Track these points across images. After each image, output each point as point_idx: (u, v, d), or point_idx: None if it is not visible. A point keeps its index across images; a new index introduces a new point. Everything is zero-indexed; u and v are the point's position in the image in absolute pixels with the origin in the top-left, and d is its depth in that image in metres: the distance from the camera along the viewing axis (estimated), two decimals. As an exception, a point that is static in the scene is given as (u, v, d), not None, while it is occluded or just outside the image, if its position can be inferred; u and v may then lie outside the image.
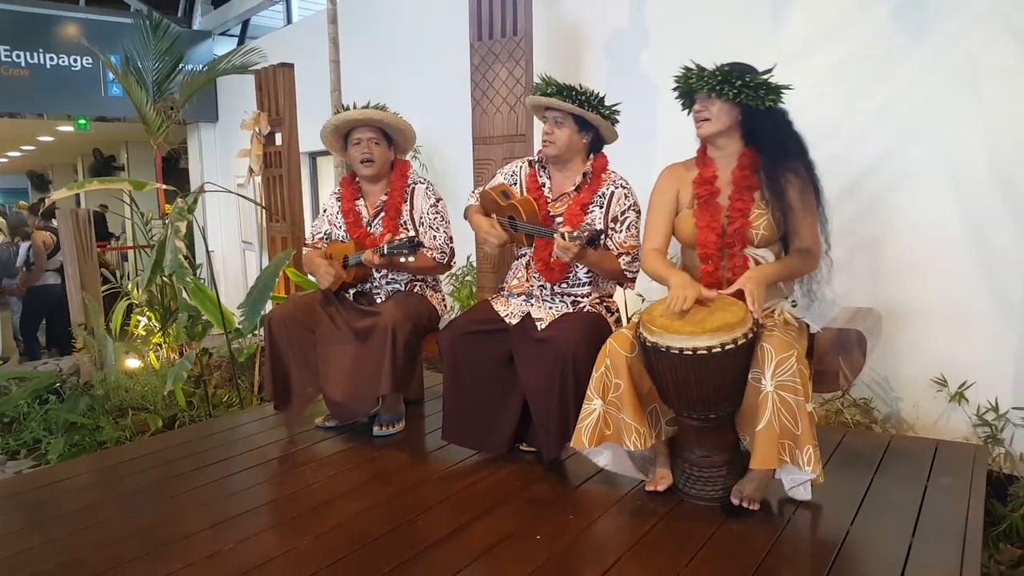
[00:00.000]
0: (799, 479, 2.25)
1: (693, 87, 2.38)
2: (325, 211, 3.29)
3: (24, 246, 7.07)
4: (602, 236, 2.65)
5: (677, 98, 2.53)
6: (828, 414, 3.40)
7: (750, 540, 2.13)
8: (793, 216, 2.34)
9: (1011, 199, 3.12)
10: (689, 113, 2.52)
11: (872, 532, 2.18)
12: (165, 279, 4.75)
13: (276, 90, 5.17)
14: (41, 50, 7.94)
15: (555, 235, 2.51)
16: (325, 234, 3.25)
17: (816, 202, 2.37)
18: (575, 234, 2.46)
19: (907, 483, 2.50)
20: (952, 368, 3.28)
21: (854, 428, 3.29)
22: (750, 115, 2.36)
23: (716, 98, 2.35)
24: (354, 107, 3.06)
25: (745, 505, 2.27)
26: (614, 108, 2.79)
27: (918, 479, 2.52)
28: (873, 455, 2.74)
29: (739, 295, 2.26)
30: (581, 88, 2.72)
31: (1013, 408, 3.11)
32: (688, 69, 2.40)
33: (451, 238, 3.14)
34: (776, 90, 2.34)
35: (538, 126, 3.04)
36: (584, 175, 2.79)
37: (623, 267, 2.71)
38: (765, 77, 2.34)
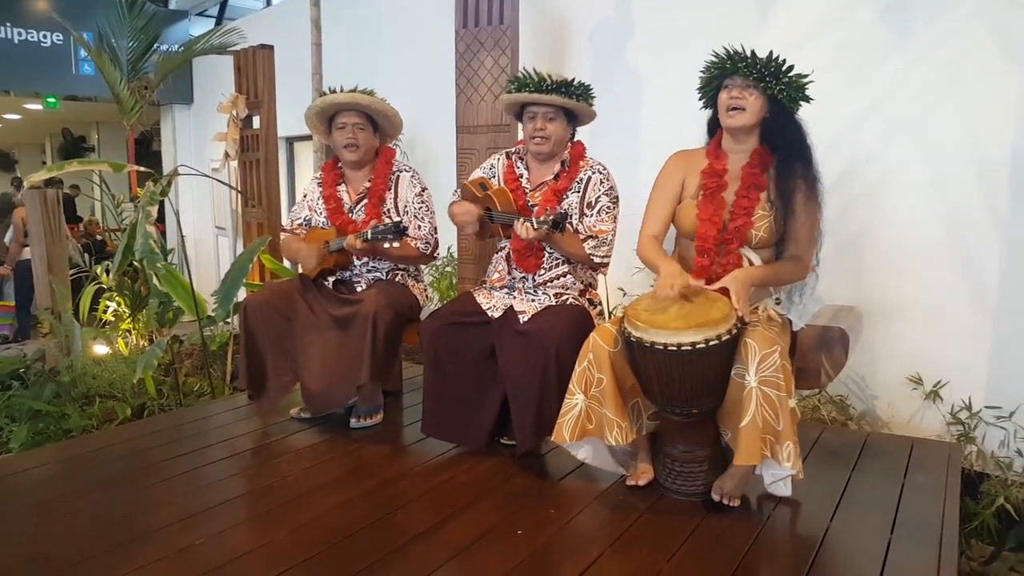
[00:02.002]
0: (779, 475, 2.25)
1: (738, 70, 2.26)
2: (305, 196, 3.22)
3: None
4: (567, 219, 2.63)
5: (703, 86, 2.42)
6: (805, 411, 3.42)
7: (731, 536, 2.12)
8: (795, 222, 2.31)
9: (990, 201, 3.15)
10: (705, 104, 2.45)
11: (851, 528, 2.19)
12: (136, 264, 4.65)
13: (255, 72, 5.07)
14: (8, 24, 7.69)
15: (515, 221, 2.57)
16: (305, 220, 3.18)
17: (818, 214, 2.35)
18: (542, 219, 2.48)
19: (884, 480, 2.51)
20: (927, 367, 3.31)
21: (830, 425, 3.31)
22: (777, 114, 2.31)
23: (755, 88, 2.27)
24: (340, 90, 2.99)
25: (725, 501, 2.27)
26: (591, 90, 2.78)
27: (895, 476, 2.54)
28: (850, 452, 2.76)
29: (723, 292, 2.24)
30: (571, 80, 2.71)
31: (986, 407, 3.15)
32: (733, 51, 2.29)
33: (436, 228, 3.09)
34: (806, 96, 2.32)
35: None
36: (563, 163, 2.78)
37: (588, 251, 2.68)
38: (803, 80, 2.30)
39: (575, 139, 2.85)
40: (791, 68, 2.29)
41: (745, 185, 2.33)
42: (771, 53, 2.28)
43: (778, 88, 2.26)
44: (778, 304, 2.46)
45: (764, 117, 2.32)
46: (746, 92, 2.28)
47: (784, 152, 2.33)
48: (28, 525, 2.22)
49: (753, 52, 2.28)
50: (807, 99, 2.34)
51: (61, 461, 2.79)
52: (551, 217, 2.48)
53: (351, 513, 2.27)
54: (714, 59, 2.34)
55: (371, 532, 2.15)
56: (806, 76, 2.31)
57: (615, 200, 2.74)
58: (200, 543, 2.08)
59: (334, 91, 3.01)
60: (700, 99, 2.47)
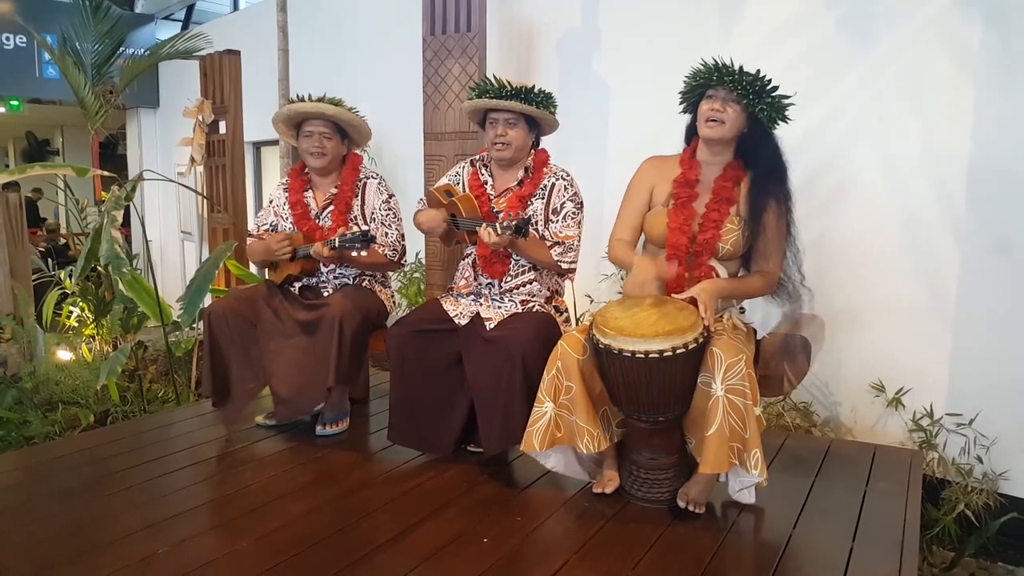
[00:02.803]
0: (745, 482, 2.27)
1: (723, 83, 2.27)
2: (271, 202, 3.19)
3: None
4: (530, 224, 2.63)
5: (686, 92, 2.42)
6: (769, 417, 3.46)
7: (696, 543, 2.14)
8: (764, 239, 2.33)
9: (948, 208, 3.22)
10: (686, 110, 2.46)
11: (814, 535, 2.21)
12: (100, 269, 4.57)
13: (221, 77, 5.03)
14: (-30, 27, 7.58)
15: (479, 227, 2.54)
16: (271, 226, 3.15)
17: (787, 231, 2.37)
18: (505, 224, 2.48)
19: (847, 487, 2.54)
20: (889, 373, 3.37)
21: (794, 431, 3.35)
22: (754, 131, 2.33)
23: (737, 103, 2.29)
24: (308, 98, 2.98)
25: (691, 508, 2.28)
26: (553, 100, 2.79)
27: (857, 483, 2.57)
28: (813, 459, 2.79)
29: (691, 301, 2.27)
30: (531, 87, 2.72)
31: (947, 414, 3.21)
32: (720, 63, 2.30)
33: (403, 235, 3.08)
34: (785, 116, 2.35)
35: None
36: (526, 170, 2.79)
37: (555, 257, 2.69)
38: (785, 101, 2.32)
39: (539, 147, 2.86)
40: (776, 88, 2.31)
41: (716, 198, 2.35)
42: (758, 71, 2.30)
43: (760, 106, 2.28)
44: (743, 312, 2.49)
45: (741, 132, 2.34)
46: (727, 106, 2.30)
47: (758, 169, 2.35)
48: (-16, 535, 2.16)
49: (741, 67, 2.29)
50: (785, 120, 2.36)
51: (21, 469, 2.73)
52: (514, 222, 2.48)
53: (317, 521, 2.25)
54: (701, 68, 2.35)
55: (337, 540, 2.13)
56: (788, 97, 2.33)
57: (580, 206, 2.76)
58: (163, 552, 2.05)
59: (302, 98, 2.99)
60: (681, 103, 2.47)
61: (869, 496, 2.47)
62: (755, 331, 2.46)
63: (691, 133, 2.47)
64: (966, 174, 3.18)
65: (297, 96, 3.04)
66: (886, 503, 2.42)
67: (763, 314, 3.42)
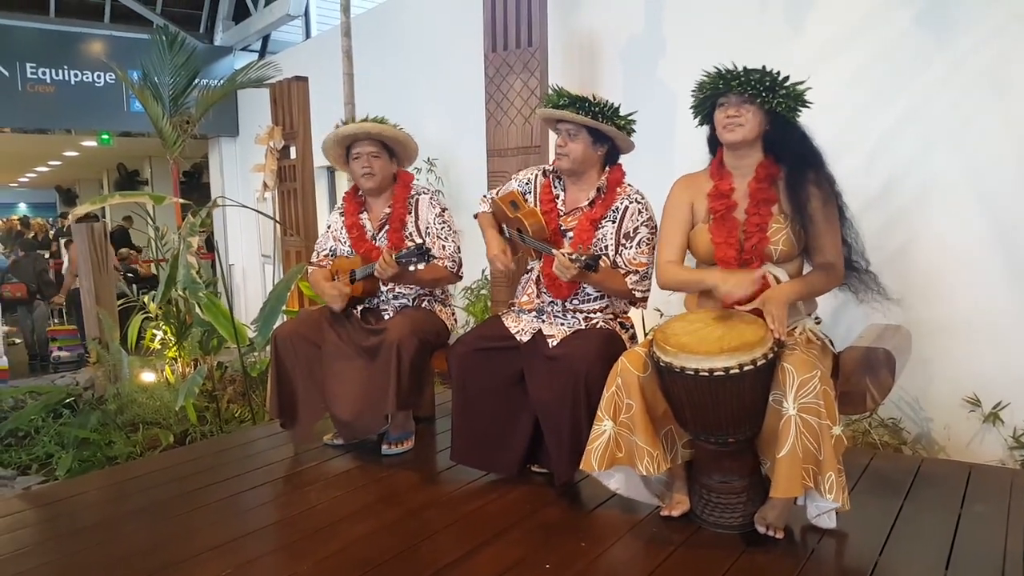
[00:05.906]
0: (822, 507, 2.13)
1: (732, 89, 2.21)
2: (329, 227, 3.22)
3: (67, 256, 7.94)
4: (600, 260, 2.49)
5: (696, 105, 2.37)
6: (855, 435, 3.27)
7: (771, 571, 2.01)
8: (815, 229, 2.23)
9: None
10: (701, 122, 2.40)
11: (903, 563, 2.05)
12: (179, 294, 4.74)
13: (290, 104, 5.16)
14: (66, 67, 8.07)
15: (554, 253, 2.45)
16: (330, 251, 3.18)
17: (839, 216, 2.26)
18: (574, 256, 2.38)
19: (939, 510, 2.36)
20: (985, 387, 3.14)
21: (882, 450, 3.16)
22: (777, 125, 2.24)
23: (751, 104, 2.21)
24: (353, 121, 3.01)
25: (771, 533, 2.16)
26: (629, 118, 2.66)
27: (951, 506, 2.38)
28: (903, 479, 2.61)
29: (758, 313, 2.15)
30: (595, 99, 2.61)
31: (1052, 430, 2.97)
32: (723, 70, 2.24)
33: (459, 248, 3.06)
34: (805, 102, 2.25)
35: (553, 137, 2.95)
36: (599, 189, 2.68)
37: (630, 286, 2.60)
38: (800, 87, 2.23)
39: (615, 163, 2.73)
40: (787, 79, 2.22)
41: (754, 202, 2.25)
42: (764, 67, 2.22)
43: (776, 101, 2.19)
44: (818, 323, 2.35)
45: (764, 130, 2.25)
46: (742, 109, 2.22)
47: (791, 162, 2.25)
48: (68, 552, 2.24)
49: (746, 68, 2.22)
50: (806, 104, 2.26)
51: (104, 488, 2.83)
52: (584, 258, 2.36)
53: (377, 544, 2.22)
54: (705, 78, 2.29)
55: (396, 564, 2.10)
56: (803, 82, 2.24)
57: (654, 231, 2.64)
58: (227, 574, 2.06)
59: (346, 123, 3.03)
60: (694, 117, 2.41)
61: (964, 520, 2.28)
62: (832, 343, 2.32)
63: (714, 143, 2.39)
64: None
65: (342, 120, 3.07)
66: (984, 528, 2.23)
67: (847, 326, 3.26)
